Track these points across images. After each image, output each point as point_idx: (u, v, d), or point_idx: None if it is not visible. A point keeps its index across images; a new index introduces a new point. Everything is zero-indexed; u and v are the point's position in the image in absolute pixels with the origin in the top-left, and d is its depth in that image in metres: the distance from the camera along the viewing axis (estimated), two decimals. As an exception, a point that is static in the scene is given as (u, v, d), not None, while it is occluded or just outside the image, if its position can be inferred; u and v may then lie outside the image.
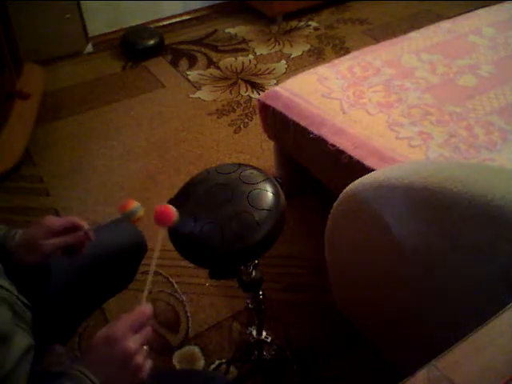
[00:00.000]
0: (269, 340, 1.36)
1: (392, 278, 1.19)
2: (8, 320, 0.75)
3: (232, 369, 1.43)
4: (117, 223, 1.16)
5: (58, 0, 2.76)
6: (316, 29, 3.25)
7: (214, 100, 2.62)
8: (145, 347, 0.72)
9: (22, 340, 0.76)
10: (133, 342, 0.70)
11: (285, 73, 2.81)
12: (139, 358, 0.70)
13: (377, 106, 1.60)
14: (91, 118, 2.55)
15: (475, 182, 0.91)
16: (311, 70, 1.84)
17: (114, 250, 1.09)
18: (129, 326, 0.71)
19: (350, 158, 1.44)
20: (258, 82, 2.75)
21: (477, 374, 0.59)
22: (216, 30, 3.30)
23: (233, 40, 3.18)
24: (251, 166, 1.06)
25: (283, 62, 2.92)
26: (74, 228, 0.91)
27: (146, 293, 0.78)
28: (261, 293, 1.19)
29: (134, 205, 0.87)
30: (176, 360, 1.48)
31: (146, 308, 0.74)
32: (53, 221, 0.90)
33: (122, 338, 0.70)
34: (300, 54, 2.99)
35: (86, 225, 0.92)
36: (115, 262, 1.09)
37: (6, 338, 0.71)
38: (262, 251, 0.96)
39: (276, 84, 2.67)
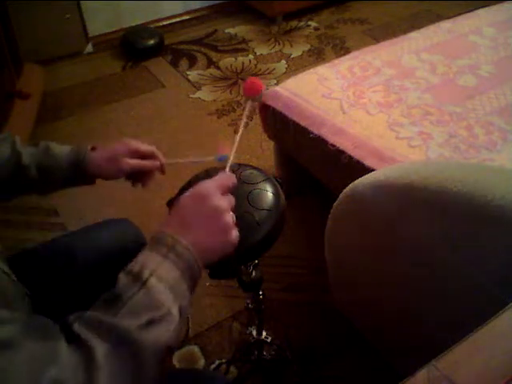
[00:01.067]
0: (269, 340, 1.35)
1: (392, 278, 1.18)
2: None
3: (232, 369, 1.43)
4: (117, 223, 1.16)
5: (58, 0, 2.76)
6: (316, 29, 3.25)
7: (214, 100, 2.62)
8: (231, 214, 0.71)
9: None
10: (222, 200, 0.69)
11: (285, 73, 2.81)
12: (229, 217, 0.69)
13: (377, 105, 1.60)
14: (91, 118, 2.55)
15: (475, 182, 0.91)
16: (311, 70, 1.84)
17: (114, 250, 1.09)
18: (217, 186, 0.70)
19: (350, 157, 1.44)
20: (258, 81, 2.75)
21: (477, 373, 0.59)
22: (216, 30, 3.30)
23: (233, 40, 3.18)
24: (251, 165, 1.05)
25: (283, 61, 2.92)
26: (151, 156, 0.97)
27: (230, 160, 0.81)
28: (261, 293, 1.19)
29: (226, 154, 0.94)
30: (176, 360, 1.48)
31: (231, 175, 0.76)
32: (136, 143, 0.96)
33: (212, 195, 0.69)
34: (300, 54, 2.99)
35: (163, 158, 0.99)
36: (115, 262, 1.09)
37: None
38: (262, 251, 0.96)
39: (276, 84, 2.67)
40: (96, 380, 0.54)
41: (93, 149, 0.98)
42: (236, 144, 0.84)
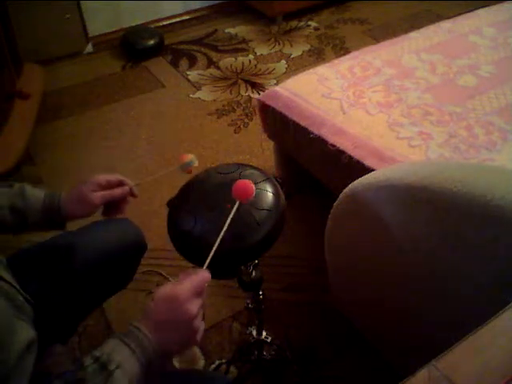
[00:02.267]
0: (269, 340, 1.35)
1: (392, 278, 1.19)
2: (6, 311, 0.74)
3: (232, 369, 1.43)
4: (117, 222, 1.16)
5: (58, 0, 2.76)
6: (316, 29, 3.25)
7: (214, 100, 2.62)
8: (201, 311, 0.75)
9: (23, 333, 0.75)
10: (195, 305, 0.72)
11: (285, 73, 2.81)
12: (198, 322, 0.73)
13: (377, 106, 1.60)
14: (91, 117, 2.55)
15: (475, 182, 0.91)
16: (311, 70, 1.84)
17: (114, 249, 1.09)
18: (192, 289, 0.73)
19: (350, 157, 1.44)
20: (258, 81, 2.75)
21: (477, 374, 0.59)
22: (216, 30, 3.30)
23: (233, 40, 3.18)
24: (251, 165, 1.05)
25: (283, 61, 2.92)
26: (118, 184, 0.99)
27: (210, 256, 0.80)
28: (261, 293, 1.19)
29: (190, 157, 1.03)
30: (176, 360, 1.48)
31: (206, 273, 0.77)
32: (100, 176, 0.98)
33: (186, 300, 0.72)
34: (300, 53, 2.99)
35: (130, 182, 1.01)
36: (115, 261, 1.09)
37: (6, 331, 0.71)
38: (262, 251, 0.96)
39: (276, 84, 2.67)
40: None
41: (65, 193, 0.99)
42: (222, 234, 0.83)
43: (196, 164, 1.02)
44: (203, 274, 0.76)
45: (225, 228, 0.84)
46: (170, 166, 1.04)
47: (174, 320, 0.72)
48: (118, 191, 0.98)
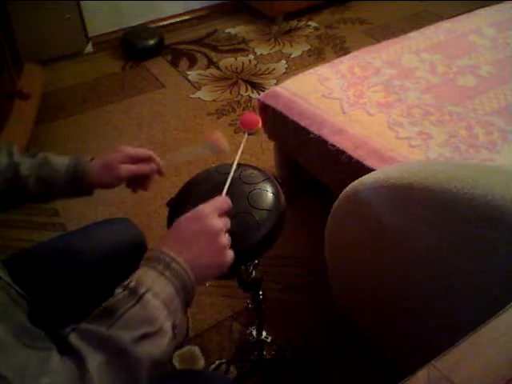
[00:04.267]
0: (269, 340, 1.36)
1: (392, 278, 1.19)
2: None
3: (232, 369, 1.43)
4: (116, 222, 1.16)
5: (57, 0, 2.76)
6: (316, 29, 3.25)
7: (214, 100, 2.62)
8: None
9: None
10: (219, 221, 0.72)
11: (285, 73, 2.81)
12: (225, 237, 0.72)
13: (377, 106, 1.60)
14: (91, 118, 2.55)
15: (475, 182, 0.91)
16: (311, 70, 1.84)
17: (114, 250, 1.09)
18: (214, 208, 0.74)
19: (350, 157, 1.44)
20: (258, 81, 2.75)
21: (477, 374, 0.59)
22: (216, 30, 3.30)
23: (233, 40, 3.18)
24: (251, 165, 1.05)
25: (283, 61, 2.92)
26: (147, 160, 0.98)
27: (227, 185, 0.84)
28: (261, 293, 1.19)
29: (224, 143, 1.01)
30: (176, 360, 1.48)
31: (227, 199, 0.78)
32: (131, 149, 0.97)
33: (209, 216, 0.72)
34: (300, 53, 2.99)
35: (160, 160, 0.99)
36: (115, 262, 1.09)
37: None
38: (262, 251, 0.96)
39: (276, 84, 2.67)
40: None
41: (91, 160, 0.99)
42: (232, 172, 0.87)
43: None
44: (224, 198, 0.78)
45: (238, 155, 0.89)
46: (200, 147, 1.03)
47: (197, 234, 0.70)
48: (145, 167, 0.98)
